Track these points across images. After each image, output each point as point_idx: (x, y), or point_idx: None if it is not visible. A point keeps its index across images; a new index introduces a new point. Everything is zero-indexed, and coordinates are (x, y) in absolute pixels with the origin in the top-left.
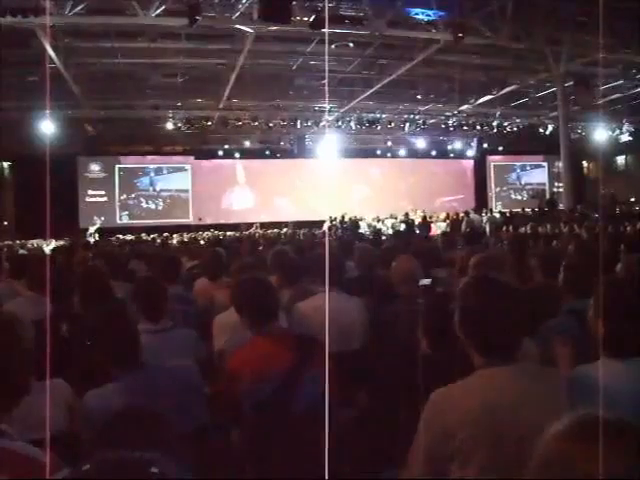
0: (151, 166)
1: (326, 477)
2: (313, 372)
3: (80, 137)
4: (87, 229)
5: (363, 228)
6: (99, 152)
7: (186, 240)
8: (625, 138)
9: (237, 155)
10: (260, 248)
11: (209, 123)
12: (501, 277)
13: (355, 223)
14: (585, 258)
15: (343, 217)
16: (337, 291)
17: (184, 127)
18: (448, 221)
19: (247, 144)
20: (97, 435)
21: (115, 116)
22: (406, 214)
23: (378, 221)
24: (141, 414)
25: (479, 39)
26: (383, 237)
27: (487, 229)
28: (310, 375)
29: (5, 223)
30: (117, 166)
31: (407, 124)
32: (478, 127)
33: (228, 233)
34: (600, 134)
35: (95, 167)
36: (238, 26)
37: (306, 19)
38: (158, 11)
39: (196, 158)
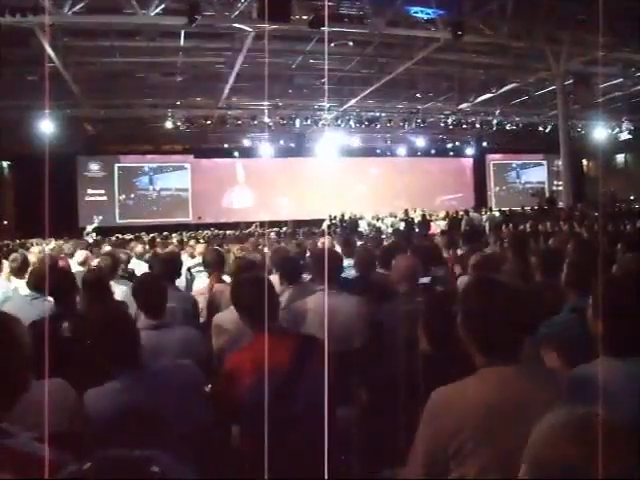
0: (150, 165)
1: (326, 477)
2: (313, 371)
3: (79, 136)
4: (86, 228)
5: (363, 227)
6: (99, 151)
7: (185, 240)
8: (625, 136)
9: (236, 154)
10: None
11: (208, 122)
12: (502, 277)
13: (354, 222)
14: (587, 256)
15: (343, 216)
16: (337, 290)
17: (183, 126)
18: (447, 220)
19: (246, 143)
20: (97, 434)
21: (114, 115)
22: (406, 212)
23: (378, 220)
24: (140, 413)
25: (479, 37)
26: (383, 236)
27: (487, 228)
28: (310, 374)
29: (5, 222)
30: (116, 165)
31: (406, 123)
32: (477, 126)
33: (228, 232)
34: (600, 132)
35: (94, 166)
36: (237, 25)
37: (305, 18)
38: (157, 10)
39: (195, 157)
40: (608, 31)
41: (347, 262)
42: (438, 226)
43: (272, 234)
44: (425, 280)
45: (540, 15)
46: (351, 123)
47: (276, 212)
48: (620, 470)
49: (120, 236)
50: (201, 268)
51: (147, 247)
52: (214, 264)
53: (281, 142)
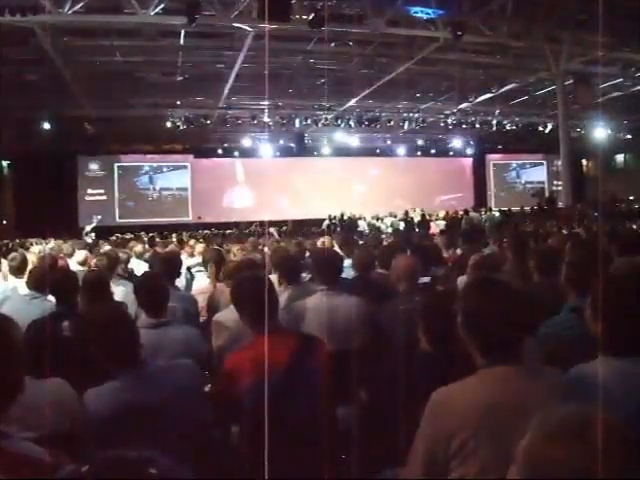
0: (150, 165)
1: (324, 476)
2: (313, 371)
3: (79, 136)
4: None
5: (362, 226)
6: (98, 151)
7: (185, 239)
8: (625, 136)
9: (236, 153)
10: None
11: (208, 122)
12: (502, 277)
13: (354, 222)
14: (586, 256)
15: (342, 215)
16: (336, 290)
17: (183, 126)
18: (447, 220)
19: (246, 143)
20: (97, 433)
21: (114, 115)
22: (405, 212)
23: (377, 219)
24: (140, 413)
25: (479, 37)
26: (382, 235)
27: (486, 227)
28: (310, 374)
29: (4, 222)
30: (116, 165)
31: (406, 122)
32: (477, 125)
33: (228, 231)
34: (599, 132)
35: (94, 166)
36: (237, 24)
37: (305, 17)
38: (157, 9)
39: (195, 157)
40: (608, 31)
41: (346, 262)
42: (437, 226)
43: (272, 230)
44: (425, 280)
45: (540, 15)
46: (351, 123)
47: (276, 212)
48: (614, 469)
49: (120, 236)
50: (201, 268)
51: (147, 246)
52: (214, 264)
53: (281, 142)
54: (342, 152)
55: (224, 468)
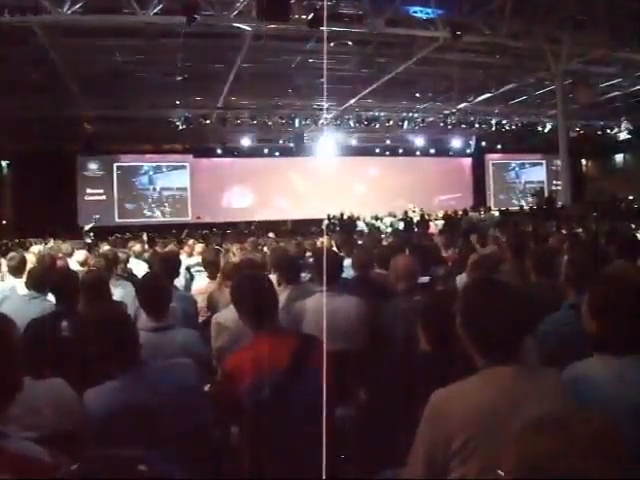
0: (150, 164)
1: (324, 476)
2: (312, 371)
3: (79, 135)
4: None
5: (361, 226)
6: (98, 151)
7: (184, 239)
8: (624, 136)
9: (236, 153)
10: None
11: (208, 121)
12: (501, 277)
13: (353, 221)
14: (585, 255)
15: (342, 215)
16: (336, 291)
17: (183, 125)
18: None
19: (246, 142)
20: (97, 432)
21: (114, 115)
22: (405, 212)
23: (377, 219)
24: (139, 412)
25: (478, 37)
26: (382, 235)
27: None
28: (309, 374)
29: (4, 222)
30: (115, 164)
31: (405, 122)
32: (477, 125)
33: (228, 231)
34: (599, 132)
35: (93, 166)
36: (237, 24)
37: (305, 17)
38: (156, 9)
39: (195, 156)
40: (607, 31)
41: (346, 262)
42: (436, 226)
43: (271, 234)
44: (424, 279)
45: (539, 15)
46: (350, 122)
47: (275, 212)
48: (601, 467)
49: (119, 235)
50: (200, 267)
51: (146, 246)
52: (213, 264)
53: (280, 141)
54: (341, 152)
55: (223, 468)
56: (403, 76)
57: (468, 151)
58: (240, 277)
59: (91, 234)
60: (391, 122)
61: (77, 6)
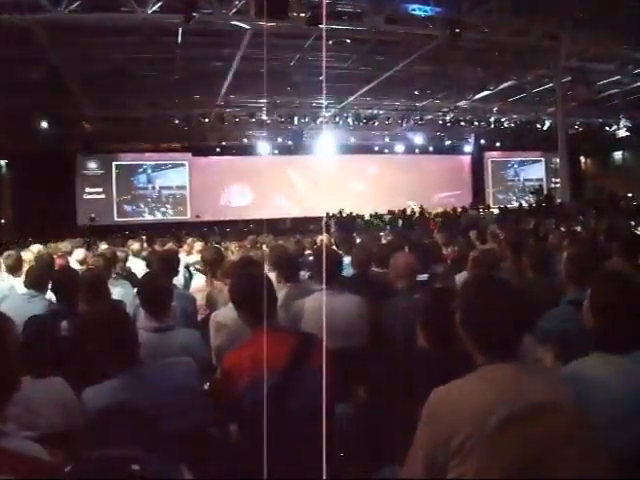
0: (148, 163)
1: (324, 474)
2: (311, 369)
3: (77, 134)
4: (85, 226)
5: (361, 224)
6: (97, 150)
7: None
8: (622, 134)
9: (234, 152)
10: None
11: (206, 120)
12: (501, 274)
13: (353, 219)
14: (585, 251)
15: (341, 213)
16: (335, 289)
17: (182, 124)
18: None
19: (245, 141)
20: (95, 431)
21: (112, 114)
22: (404, 210)
23: (376, 217)
24: (138, 411)
25: (477, 35)
26: (381, 233)
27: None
28: (308, 372)
29: (3, 221)
30: (114, 163)
31: (405, 120)
32: (475, 123)
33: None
34: (598, 130)
35: (92, 165)
36: (235, 22)
37: (303, 15)
38: (155, 7)
39: (194, 155)
40: (607, 28)
41: (345, 260)
42: (437, 223)
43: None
44: (423, 277)
45: (538, 12)
46: (349, 121)
47: (274, 210)
48: (569, 464)
49: (118, 234)
50: (199, 266)
51: (145, 245)
52: (213, 262)
53: (279, 140)
54: (340, 150)
55: (223, 467)
56: (402, 74)
57: (467, 149)
58: (239, 275)
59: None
60: (390, 120)
61: (75, 4)
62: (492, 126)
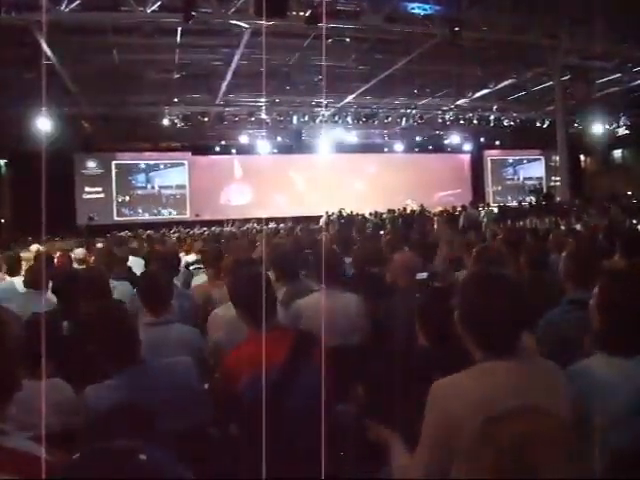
0: (148, 162)
1: (323, 473)
2: (311, 367)
3: (77, 134)
4: (83, 226)
5: (360, 223)
6: (96, 149)
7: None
8: (622, 132)
9: (234, 151)
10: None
11: (206, 119)
12: (501, 270)
13: (352, 218)
14: (585, 250)
15: (340, 212)
16: (335, 288)
17: (181, 123)
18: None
19: (244, 140)
20: (96, 430)
21: (112, 113)
22: (403, 209)
23: (375, 216)
24: (135, 411)
25: (476, 33)
26: (381, 232)
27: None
28: (308, 370)
29: (2, 221)
30: (114, 163)
31: (404, 119)
32: (475, 121)
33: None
34: (597, 128)
35: (92, 164)
36: (234, 21)
37: (302, 14)
38: (154, 7)
39: (193, 154)
40: (606, 26)
41: (345, 259)
42: (437, 221)
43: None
44: (423, 276)
45: (537, 10)
46: (348, 119)
47: (274, 209)
48: (546, 466)
49: (118, 233)
50: (199, 265)
51: (145, 244)
52: (213, 261)
53: (278, 139)
54: (340, 149)
55: (223, 466)
56: (401, 72)
57: (466, 147)
58: (238, 275)
59: (85, 232)
60: (389, 119)
61: (75, 4)
62: (492, 124)
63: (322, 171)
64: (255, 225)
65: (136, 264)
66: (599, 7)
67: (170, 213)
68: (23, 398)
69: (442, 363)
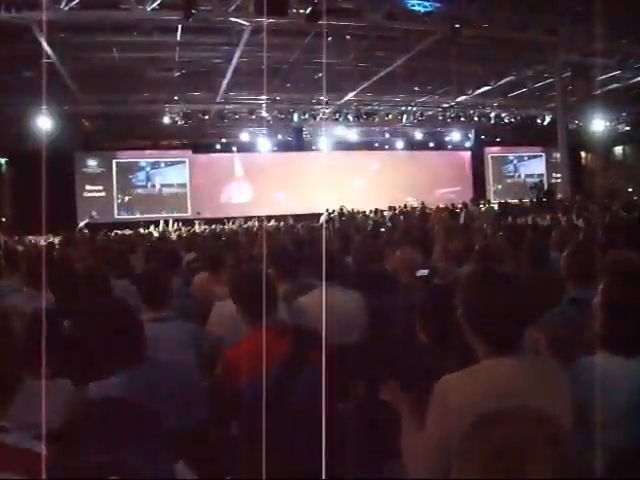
0: (149, 161)
1: (323, 470)
2: (312, 365)
3: (77, 132)
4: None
5: (361, 220)
6: (96, 147)
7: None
8: (623, 128)
9: (235, 149)
10: None
11: (206, 117)
12: (504, 268)
13: (352, 216)
14: (586, 248)
15: (341, 209)
16: (335, 285)
17: (181, 121)
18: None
19: (244, 138)
20: (87, 429)
21: (112, 111)
22: (404, 206)
23: (376, 213)
24: (136, 410)
25: (476, 30)
26: (381, 229)
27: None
28: (309, 368)
29: (3, 220)
30: (114, 161)
31: (405, 116)
32: (476, 118)
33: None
34: (598, 125)
35: (92, 162)
36: (234, 19)
37: (303, 11)
38: (154, 5)
39: (194, 152)
40: (607, 23)
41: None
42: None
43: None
44: (424, 272)
45: (538, 7)
46: (349, 117)
47: (274, 207)
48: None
49: (119, 232)
50: (200, 262)
51: (146, 242)
52: (214, 259)
53: (279, 136)
54: (340, 146)
55: (223, 465)
56: (401, 70)
57: (467, 144)
58: (238, 272)
59: (86, 231)
60: (390, 116)
61: (74, 2)
62: (492, 121)
63: (323, 169)
64: (256, 223)
65: (137, 262)
66: (599, 4)
67: (172, 211)
68: (24, 396)
69: (443, 360)
